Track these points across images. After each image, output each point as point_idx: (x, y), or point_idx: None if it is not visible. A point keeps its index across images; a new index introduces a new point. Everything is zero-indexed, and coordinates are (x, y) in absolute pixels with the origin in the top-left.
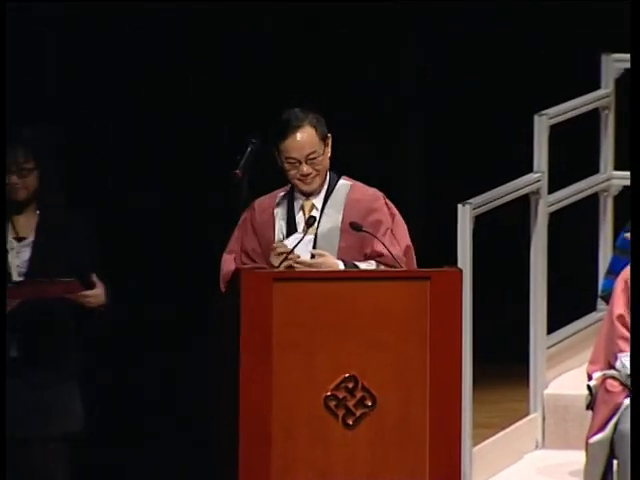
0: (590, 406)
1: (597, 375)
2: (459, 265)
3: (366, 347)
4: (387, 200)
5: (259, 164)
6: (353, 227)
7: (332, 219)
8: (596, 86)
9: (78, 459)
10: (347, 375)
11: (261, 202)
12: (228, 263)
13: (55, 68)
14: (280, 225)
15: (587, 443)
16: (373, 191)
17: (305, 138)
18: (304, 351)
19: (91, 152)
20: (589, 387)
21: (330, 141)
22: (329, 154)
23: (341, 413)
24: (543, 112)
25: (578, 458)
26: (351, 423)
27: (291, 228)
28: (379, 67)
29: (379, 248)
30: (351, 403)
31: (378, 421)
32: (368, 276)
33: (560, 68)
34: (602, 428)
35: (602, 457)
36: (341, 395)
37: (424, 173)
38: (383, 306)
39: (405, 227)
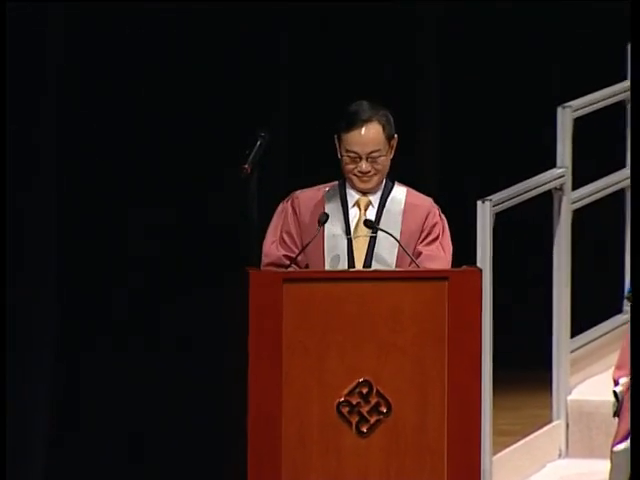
0: (616, 413)
1: (624, 380)
2: (478, 264)
3: (381, 351)
4: (441, 212)
5: (269, 159)
6: (367, 225)
7: (391, 223)
8: (622, 77)
9: None
10: (361, 380)
11: (306, 194)
12: (268, 246)
13: (55, 68)
14: (331, 221)
15: (612, 451)
16: (430, 199)
17: (370, 134)
18: (315, 355)
19: (91, 152)
20: (615, 393)
21: (396, 142)
22: (392, 155)
23: (355, 420)
24: (567, 104)
25: (603, 467)
26: (365, 430)
27: (345, 224)
28: (392, 62)
29: (419, 248)
30: (365, 409)
31: (393, 428)
32: (383, 276)
33: (585, 58)
34: (627, 436)
35: (627, 466)
36: (355, 401)
37: (440, 167)
38: (399, 307)
39: (451, 245)
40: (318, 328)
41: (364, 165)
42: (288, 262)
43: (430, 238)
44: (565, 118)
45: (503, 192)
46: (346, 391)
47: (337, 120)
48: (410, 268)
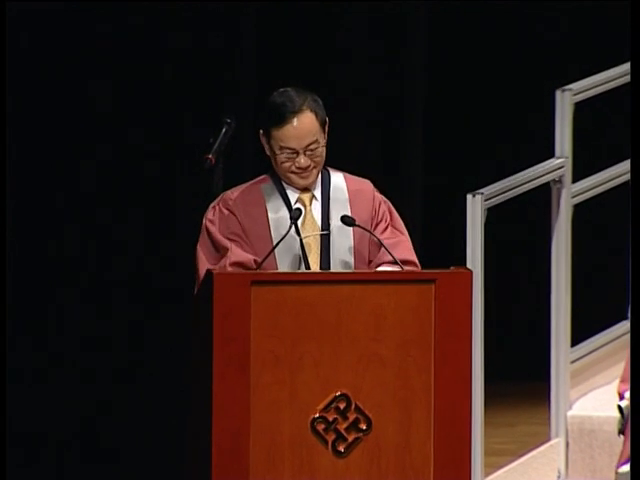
0: (622, 430)
1: (629, 394)
2: (468, 265)
3: (360, 361)
4: (379, 192)
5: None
6: (345, 222)
7: (341, 214)
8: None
9: None
10: (338, 394)
11: (239, 194)
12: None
13: (55, 68)
14: (276, 220)
15: (616, 473)
16: (368, 181)
17: (305, 126)
18: (287, 366)
19: (90, 152)
20: (620, 408)
21: (327, 126)
22: (325, 141)
23: (331, 438)
24: (566, 87)
25: None
26: (342, 450)
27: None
28: (379, 47)
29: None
30: (342, 427)
31: (374, 447)
32: (363, 278)
33: (586, 37)
34: None
35: None
36: (331, 417)
37: (425, 156)
38: (380, 313)
39: (401, 221)
40: (290, 336)
41: (302, 160)
42: (255, 267)
43: (382, 226)
44: (564, 103)
45: (496, 185)
46: (321, 406)
47: (261, 114)
48: (368, 269)
